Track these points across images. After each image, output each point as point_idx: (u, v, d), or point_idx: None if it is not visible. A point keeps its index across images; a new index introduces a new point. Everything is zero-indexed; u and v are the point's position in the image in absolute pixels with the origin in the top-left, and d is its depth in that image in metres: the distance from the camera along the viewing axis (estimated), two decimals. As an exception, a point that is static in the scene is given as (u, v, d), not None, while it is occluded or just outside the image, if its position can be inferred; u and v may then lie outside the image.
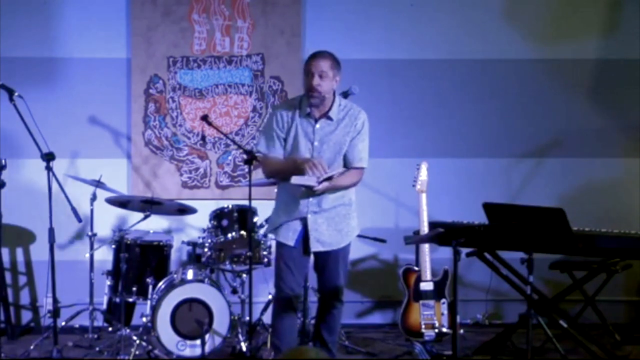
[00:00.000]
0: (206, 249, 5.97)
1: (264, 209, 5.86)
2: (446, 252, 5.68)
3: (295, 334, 5.31)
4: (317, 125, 4.98)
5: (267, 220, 5.61)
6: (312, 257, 5.13)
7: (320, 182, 4.80)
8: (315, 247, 5.02)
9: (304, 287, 5.70)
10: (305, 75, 4.97)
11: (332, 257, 5.07)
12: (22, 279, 6.74)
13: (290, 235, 5.03)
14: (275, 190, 5.27)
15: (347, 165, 5.04)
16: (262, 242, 5.92)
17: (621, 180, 6.86)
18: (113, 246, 6.07)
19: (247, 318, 5.76)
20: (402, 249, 6.45)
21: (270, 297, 5.96)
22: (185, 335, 5.65)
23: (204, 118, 6.29)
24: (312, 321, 6.08)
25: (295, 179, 4.82)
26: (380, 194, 6.79)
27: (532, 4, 6.85)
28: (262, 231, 5.96)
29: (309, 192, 4.89)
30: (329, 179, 4.84)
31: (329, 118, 4.98)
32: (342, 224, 5.07)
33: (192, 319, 5.66)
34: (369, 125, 5.06)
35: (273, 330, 5.19)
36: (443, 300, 5.93)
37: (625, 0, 6.86)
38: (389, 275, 6.76)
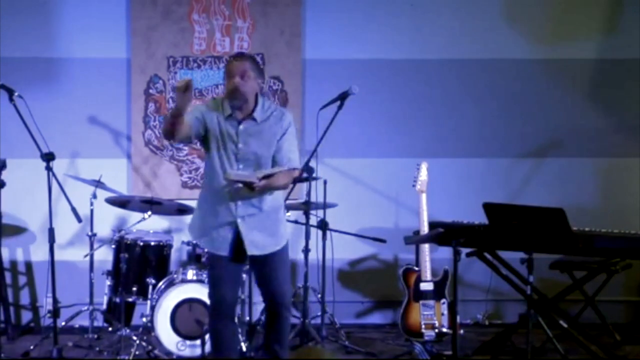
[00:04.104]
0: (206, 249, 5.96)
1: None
2: (446, 252, 5.68)
3: (236, 344, 5.13)
4: (241, 127, 4.77)
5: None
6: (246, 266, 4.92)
7: (260, 179, 4.57)
8: (251, 250, 4.74)
9: (304, 287, 5.70)
10: (226, 78, 4.78)
11: (269, 262, 4.81)
12: (22, 279, 6.74)
13: (221, 244, 4.77)
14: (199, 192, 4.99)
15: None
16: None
17: (621, 180, 6.85)
18: (113, 246, 6.05)
19: (247, 318, 5.77)
20: (402, 249, 6.44)
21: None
22: (185, 335, 5.65)
23: (204, 118, 6.31)
24: (312, 321, 6.11)
25: (234, 175, 4.60)
26: (380, 194, 6.79)
27: (532, 4, 6.84)
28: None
29: (244, 191, 4.65)
30: (270, 176, 4.61)
31: (253, 119, 4.79)
32: (274, 228, 4.82)
33: (192, 319, 5.65)
34: (294, 126, 4.86)
35: (212, 344, 4.92)
36: (443, 300, 5.93)
37: (625, 0, 6.86)
38: (389, 275, 6.75)
